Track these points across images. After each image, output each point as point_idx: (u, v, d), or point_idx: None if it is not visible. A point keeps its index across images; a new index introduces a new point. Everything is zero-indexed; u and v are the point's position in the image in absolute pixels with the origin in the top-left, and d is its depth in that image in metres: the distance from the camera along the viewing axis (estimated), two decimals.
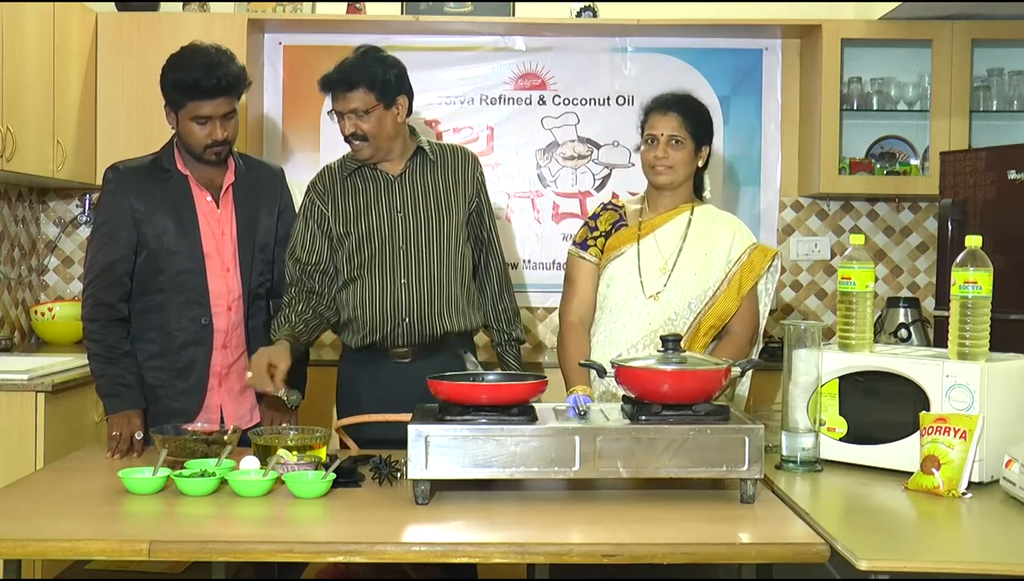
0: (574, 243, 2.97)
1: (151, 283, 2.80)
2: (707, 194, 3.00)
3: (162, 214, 2.80)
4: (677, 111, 2.85)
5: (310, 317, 2.86)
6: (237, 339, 2.88)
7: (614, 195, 4.35)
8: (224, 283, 2.84)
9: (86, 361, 3.47)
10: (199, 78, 2.71)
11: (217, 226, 2.85)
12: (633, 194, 3.37)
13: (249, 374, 2.65)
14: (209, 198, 2.86)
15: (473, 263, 3.02)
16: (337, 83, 2.84)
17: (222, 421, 2.84)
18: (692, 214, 2.89)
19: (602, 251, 2.91)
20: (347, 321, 2.94)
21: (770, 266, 2.88)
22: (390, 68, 2.85)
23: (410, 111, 2.93)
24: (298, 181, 4.47)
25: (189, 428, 2.49)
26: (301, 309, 2.86)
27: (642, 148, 2.89)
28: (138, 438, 2.62)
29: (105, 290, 2.77)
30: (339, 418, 2.88)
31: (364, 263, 2.90)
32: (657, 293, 2.83)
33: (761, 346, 2.98)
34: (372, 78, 2.81)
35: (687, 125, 2.84)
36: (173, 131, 2.88)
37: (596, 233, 2.93)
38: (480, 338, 3.20)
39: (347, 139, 2.89)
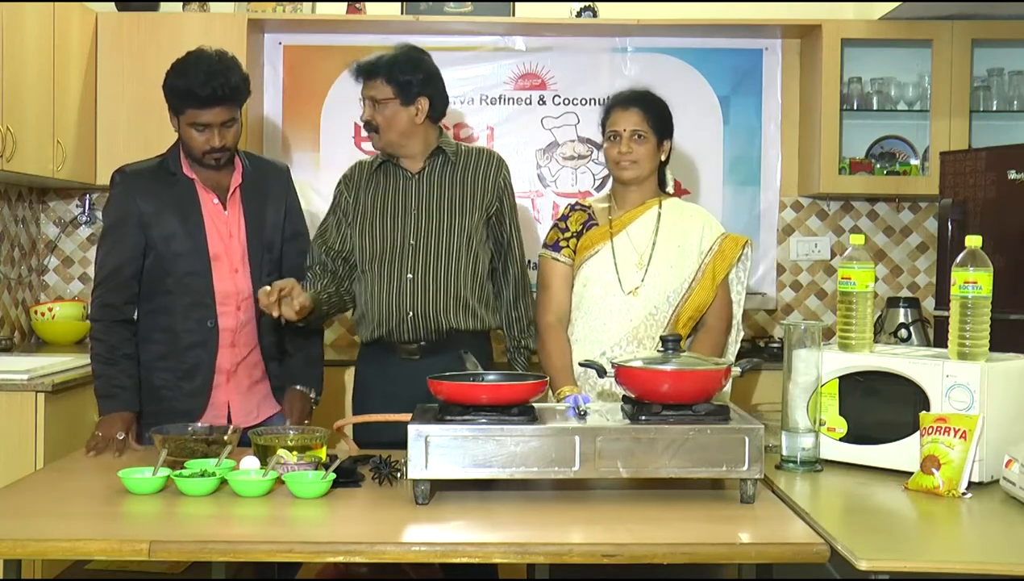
0: (545, 246, 2.98)
1: (159, 285, 2.82)
2: (669, 189, 3.02)
3: (169, 217, 2.81)
4: (638, 106, 2.89)
5: (332, 292, 2.93)
6: (247, 337, 2.90)
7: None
8: (233, 284, 2.86)
9: (86, 361, 3.49)
10: (195, 87, 2.71)
11: (225, 228, 2.87)
12: None
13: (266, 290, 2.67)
14: (216, 201, 2.87)
15: (492, 266, 3.02)
16: (362, 70, 2.92)
17: (229, 418, 2.86)
18: (661, 208, 2.92)
19: (575, 252, 2.93)
20: (360, 316, 2.98)
21: (741, 254, 2.91)
22: (418, 69, 2.90)
23: (438, 115, 2.97)
24: (298, 181, 4.48)
25: (190, 427, 2.49)
26: (325, 283, 2.92)
27: (605, 145, 2.93)
28: (119, 437, 2.63)
29: (112, 292, 2.80)
30: (354, 414, 2.93)
31: (375, 257, 2.94)
32: (636, 289, 2.85)
33: (741, 335, 3.00)
34: (393, 72, 2.87)
35: (648, 120, 2.87)
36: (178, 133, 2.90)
37: (567, 234, 2.95)
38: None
39: (364, 126, 2.96)
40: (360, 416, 2.52)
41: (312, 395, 2.98)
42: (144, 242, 2.80)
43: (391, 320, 2.91)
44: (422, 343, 2.92)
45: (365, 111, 2.93)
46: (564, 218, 2.99)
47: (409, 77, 2.87)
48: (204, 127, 2.75)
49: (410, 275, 2.90)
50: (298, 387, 2.97)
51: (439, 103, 2.95)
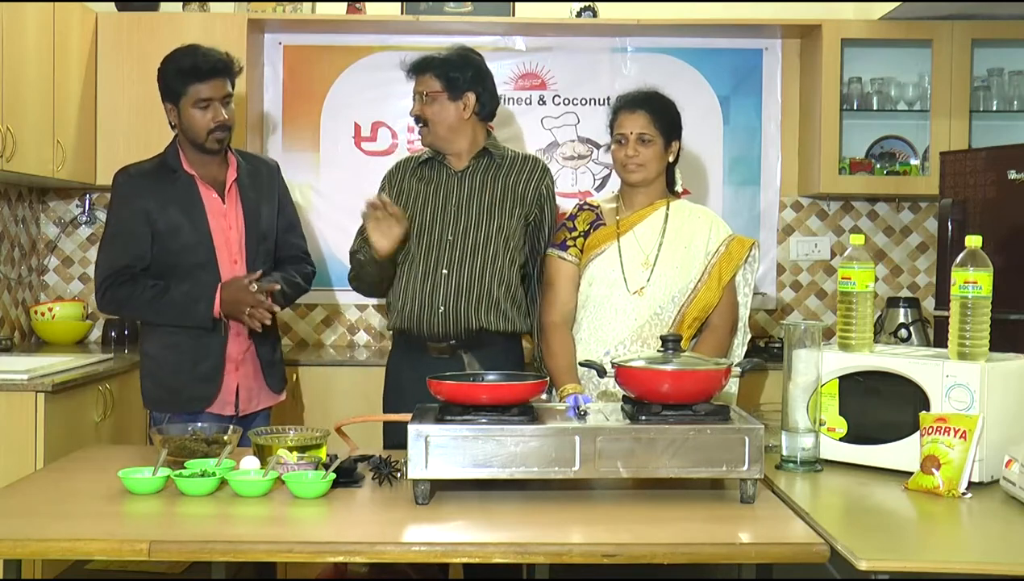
0: (552, 244, 2.98)
1: (166, 278, 2.92)
2: (679, 188, 3.02)
3: (174, 212, 2.92)
4: (645, 109, 2.88)
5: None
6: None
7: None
8: (233, 274, 2.96)
9: (86, 361, 3.52)
10: (196, 62, 2.88)
11: (223, 221, 2.97)
12: None
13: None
14: (214, 195, 2.97)
15: (525, 271, 3.03)
16: (414, 66, 3.00)
17: (236, 407, 2.98)
18: (668, 209, 2.92)
19: (582, 251, 2.93)
20: (390, 303, 3.02)
21: (748, 256, 2.91)
22: (467, 66, 2.97)
23: (487, 114, 3.01)
24: (298, 181, 4.52)
25: (190, 427, 2.49)
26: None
27: (612, 147, 2.93)
28: (252, 288, 2.83)
29: (122, 286, 2.91)
30: (384, 410, 3.00)
31: (411, 250, 2.97)
32: (641, 288, 2.85)
33: (748, 337, 3.00)
34: (442, 68, 2.95)
35: (655, 122, 2.86)
36: (174, 132, 3.00)
37: (575, 233, 2.95)
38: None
39: (414, 120, 3.03)
40: (362, 416, 2.52)
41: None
42: (150, 239, 2.91)
43: (422, 313, 2.93)
44: (452, 342, 2.93)
45: (414, 106, 2.99)
46: (572, 217, 2.99)
47: (457, 73, 2.94)
48: (207, 103, 2.88)
49: (445, 271, 2.93)
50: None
51: (487, 101, 3.00)
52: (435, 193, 3.00)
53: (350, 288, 3.14)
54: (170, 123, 2.97)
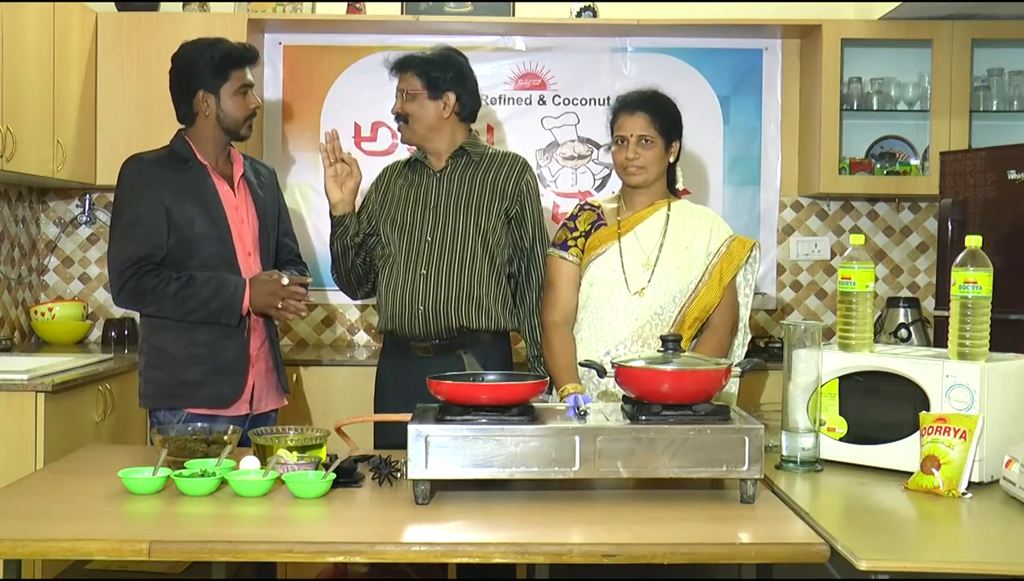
0: (553, 244, 2.98)
1: (183, 269, 2.85)
2: (679, 186, 3.02)
3: (189, 201, 2.87)
4: (644, 110, 2.87)
5: (368, 236, 3.04)
6: (263, 322, 2.98)
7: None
8: (248, 267, 2.94)
9: (86, 361, 3.52)
10: (238, 48, 2.90)
11: (236, 213, 2.95)
12: None
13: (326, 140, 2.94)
14: (227, 187, 2.95)
15: (512, 270, 3.04)
16: (396, 63, 3.04)
17: (252, 404, 2.94)
18: (669, 210, 2.92)
19: (583, 251, 2.93)
20: (377, 306, 3.05)
21: (748, 257, 2.91)
22: (448, 66, 2.99)
23: (467, 114, 3.03)
24: (297, 181, 4.53)
25: (190, 427, 2.49)
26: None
27: (612, 149, 2.92)
28: (284, 283, 2.83)
29: (147, 276, 2.82)
30: (375, 410, 3.01)
31: (392, 251, 2.99)
32: (642, 289, 2.85)
33: (748, 337, 3.00)
34: (423, 67, 2.97)
35: (655, 123, 2.86)
36: (182, 126, 2.97)
37: (576, 233, 2.95)
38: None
39: (395, 118, 3.06)
40: (360, 416, 2.52)
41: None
42: (167, 228, 2.84)
43: (403, 314, 2.94)
44: (435, 341, 2.94)
45: (396, 103, 3.02)
46: (573, 218, 2.99)
47: (438, 73, 2.96)
48: (247, 89, 2.91)
49: (424, 271, 2.94)
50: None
51: (468, 102, 3.01)
52: (415, 194, 3.02)
53: None
54: (190, 115, 2.91)
